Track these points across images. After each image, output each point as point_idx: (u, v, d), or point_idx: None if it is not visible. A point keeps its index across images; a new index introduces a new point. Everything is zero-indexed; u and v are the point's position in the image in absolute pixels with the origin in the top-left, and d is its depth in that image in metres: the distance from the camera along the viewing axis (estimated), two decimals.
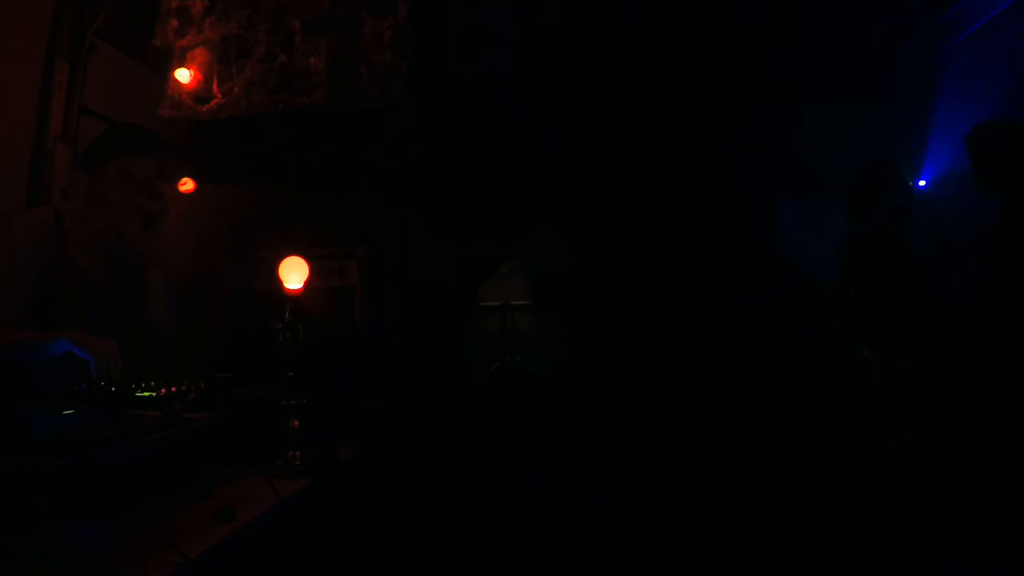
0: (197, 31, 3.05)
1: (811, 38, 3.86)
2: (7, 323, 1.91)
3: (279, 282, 1.70)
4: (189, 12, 3.06)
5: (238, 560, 1.20)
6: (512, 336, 4.64)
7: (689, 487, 3.34)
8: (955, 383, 2.68)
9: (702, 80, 4.10)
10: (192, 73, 3.03)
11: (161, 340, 2.18)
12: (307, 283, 1.72)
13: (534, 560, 3.01)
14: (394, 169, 3.85)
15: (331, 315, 3.11)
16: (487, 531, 3.08)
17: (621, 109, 4.29)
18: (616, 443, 3.83)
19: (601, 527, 3.17)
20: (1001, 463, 2.44)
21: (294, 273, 1.70)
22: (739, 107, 4.23)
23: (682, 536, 3.03)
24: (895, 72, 4.10)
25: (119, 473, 1.14)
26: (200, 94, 3.04)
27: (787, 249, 4.27)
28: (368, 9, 3.02)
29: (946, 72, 3.92)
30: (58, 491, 1.02)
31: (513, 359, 4.58)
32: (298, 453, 1.62)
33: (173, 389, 1.61)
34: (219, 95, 3.03)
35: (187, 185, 2.76)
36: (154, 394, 1.57)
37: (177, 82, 3.04)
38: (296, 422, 1.63)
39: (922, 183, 4.13)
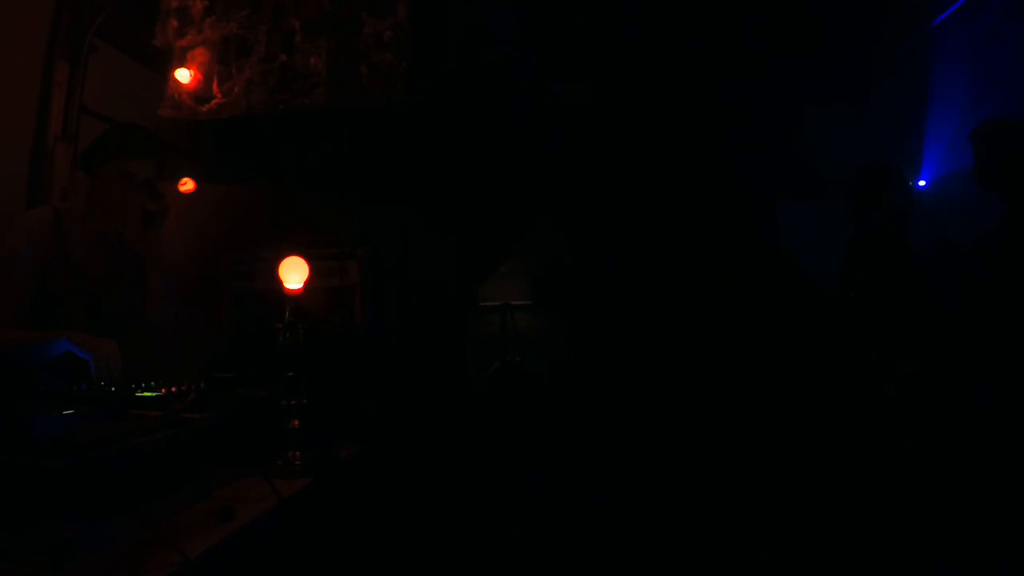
0: (197, 31, 3.05)
1: (811, 38, 3.86)
2: (7, 323, 1.91)
3: (279, 282, 1.70)
4: (189, 12, 3.06)
5: (238, 560, 1.20)
6: (512, 336, 4.64)
7: (689, 487, 3.34)
8: (956, 383, 2.68)
9: (702, 80, 4.10)
10: (192, 73, 3.03)
11: (161, 340, 2.18)
12: (307, 283, 1.72)
13: (534, 560, 3.01)
14: (394, 169, 3.85)
15: (331, 315, 3.11)
16: (487, 531, 3.08)
17: (621, 109, 4.28)
18: (616, 443, 3.83)
19: (601, 527, 3.17)
20: (1002, 465, 2.44)
21: (294, 273, 1.70)
22: (739, 107, 4.23)
23: (682, 536, 3.03)
24: (895, 72, 4.10)
25: (119, 473, 1.14)
26: (200, 94, 3.04)
27: (787, 249, 4.27)
28: (368, 9, 3.02)
29: (946, 72, 3.92)
30: (58, 491, 1.02)
31: (513, 359, 4.58)
32: (298, 453, 1.62)
33: (173, 389, 1.61)
34: (219, 95, 3.03)
35: (187, 185, 2.76)
36: (154, 394, 1.57)
37: (177, 82, 3.04)
38: (296, 422, 1.63)
39: (922, 183, 4.13)
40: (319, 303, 3.04)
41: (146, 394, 1.57)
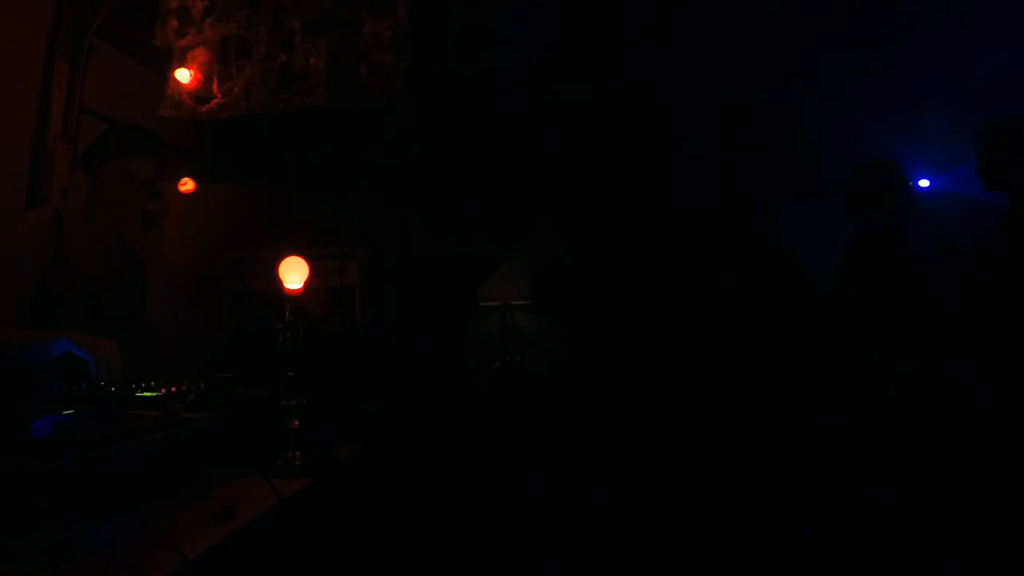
0: (197, 31, 3.05)
1: (811, 38, 3.86)
2: (7, 323, 1.91)
3: (279, 282, 1.70)
4: (189, 12, 3.06)
5: (238, 560, 1.20)
6: (512, 336, 4.64)
7: (689, 487, 3.34)
8: (956, 383, 2.68)
9: (702, 80, 4.10)
10: (192, 73, 3.03)
11: (161, 340, 2.18)
12: (307, 283, 1.72)
13: (534, 560, 3.01)
14: (394, 169, 3.85)
15: (331, 315, 3.11)
16: (487, 531, 3.08)
17: (621, 109, 4.28)
18: (616, 443, 3.83)
19: (601, 527, 3.17)
20: (1002, 465, 2.45)
21: (294, 273, 1.70)
22: (739, 107, 4.23)
23: (682, 536, 3.03)
24: (895, 72, 4.10)
25: (119, 473, 1.14)
26: (200, 94, 3.04)
27: (787, 249, 4.27)
28: (368, 9, 3.02)
29: (947, 72, 3.92)
30: (58, 491, 1.02)
31: (513, 359, 4.58)
32: (298, 453, 1.62)
33: (173, 389, 1.61)
34: (219, 95, 3.03)
35: (187, 185, 2.77)
36: (154, 394, 1.57)
37: (177, 82, 3.04)
38: (296, 422, 1.63)
39: (923, 183, 4.13)
40: (319, 303, 3.04)
41: (146, 394, 1.57)
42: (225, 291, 3.27)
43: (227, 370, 1.87)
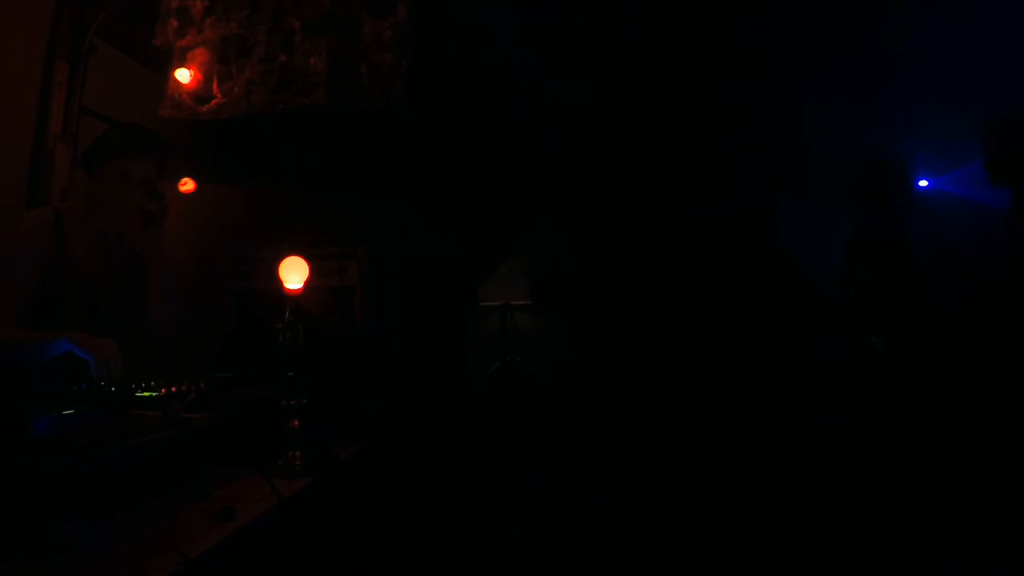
0: (197, 31, 3.05)
1: (811, 38, 3.86)
2: (7, 323, 1.91)
3: (279, 282, 1.70)
4: (189, 12, 3.05)
5: (238, 560, 1.20)
6: (512, 336, 4.65)
7: (689, 487, 3.34)
8: (956, 381, 2.68)
9: (702, 79, 4.10)
10: (192, 73, 3.03)
11: (161, 340, 2.18)
12: (307, 283, 1.72)
13: (534, 560, 3.01)
14: (394, 169, 3.85)
15: (331, 315, 3.11)
16: (487, 531, 3.08)
17: (621, 109, 4.28)
18: (616, 443, 3.83)
19: (601, 527, 3.17)
20: (1002, 465, 2.45)
21: (294, 273, 1.70)
22: (739, 107, 4.23)
23: (682, 536, 3.03)
24: (895, 72, 4.10)
25: (119, 473, 1.14)
26: (200, 94, 3.04)
27: (787, 249, 4.27)
28: (368, 9, 3.02)
29: (947, 72, 3.92)
30: (58, 491, 1.02)
31: (513, 359, 4.58)
32: (298, 453, 1.62)
33: (173, 389, 1.61)
34: (219, 95, 3.03)
35: (187, 185, 2.77)
36: (154, 394, 1.57)
37: (177, 82, 3.03)
38: (296, 422, 1.63)
39: (923, 183, 4.13)
40: (319, 303, 3.04)
41: (146, 394, 1.57)
42: (225, 291, 3.27)
43: (227, 370, 1.87)
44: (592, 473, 3.65)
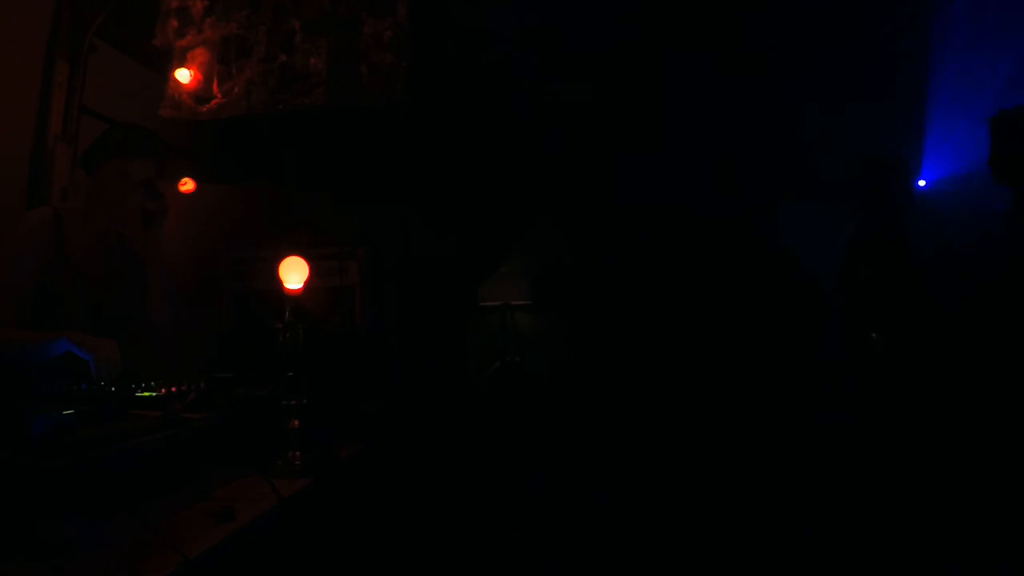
0: (197, 31, 3.05)
1: (811, 38, 3.86)
2: (7, 323, 1.91)
3: (279, 282, 1.70)
4: (189, 12, 3.05)
5: (238, 560, 1.20)
6: (512, 336, 4.64)
7: (690, 487, 3.34)
8: (956, 381, 2.68)
9: (702, 79, 4.10)
10: (192, 73, 3.03)
11: (161, 340, 2.18)
12: (307, 283, 1.72)
13: (534, 560, 3.01)
14: (394, 169, 3.85)
15: (331, 315, 3.11)
16: (487, 531, 3.08)
17: (621, 109, 4.28)
18: (616, 443, 3.83)
19: (601, 527, 3.17)
20: (1002, 465, 2.45)
21: (294, 273, 1.70)
22: (739, 107, 4.23)
23: (682, 536, 3.03)
24: (895, 72, 4.10)
25: (119, 473, 1.14)
26: (200, 94, 3.04)
27: (787, 249, 4.27)
28: (368, 9, 3.02)
29: (946, 72, 3.92)
30: (58, 491, 1.02)
31: (513, 359, 4.58)
32: (298, 453, 1.62)
33: (173, 389, 1.61)
34: (219, 95, 3.03)
35: (187, 185, 2.76)
36: (154, 394, 1.57)
37: (177, 82, 3.03)
38: (296, 422, 1.63)
39: (922, 183, 4.13)
40: (319, 303, 3.04)
41: (146, 394, 1.57)
42: (225, 291, 3.27)
43: (227, 370, 1.87)
44: (592, 473, 3.65)
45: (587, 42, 3.89)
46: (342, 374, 2.05)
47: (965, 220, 3.38)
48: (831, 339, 3.26)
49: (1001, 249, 2.65)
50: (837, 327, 3.21)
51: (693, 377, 3.97)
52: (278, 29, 3.04)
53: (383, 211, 3.75)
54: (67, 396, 1.49)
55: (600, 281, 4.58)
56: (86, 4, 2.92)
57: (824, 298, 3.48)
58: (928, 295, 2.92)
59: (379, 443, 2.10)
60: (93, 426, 1.25)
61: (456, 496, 2.98)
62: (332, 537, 1.66)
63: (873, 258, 3.05)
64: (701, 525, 3.07)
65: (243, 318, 3.19)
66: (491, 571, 2.94)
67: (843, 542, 2.67)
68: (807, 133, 4.28)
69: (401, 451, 2.38)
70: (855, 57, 4.01)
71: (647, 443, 3.75)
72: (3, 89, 2.67)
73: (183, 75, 3.02)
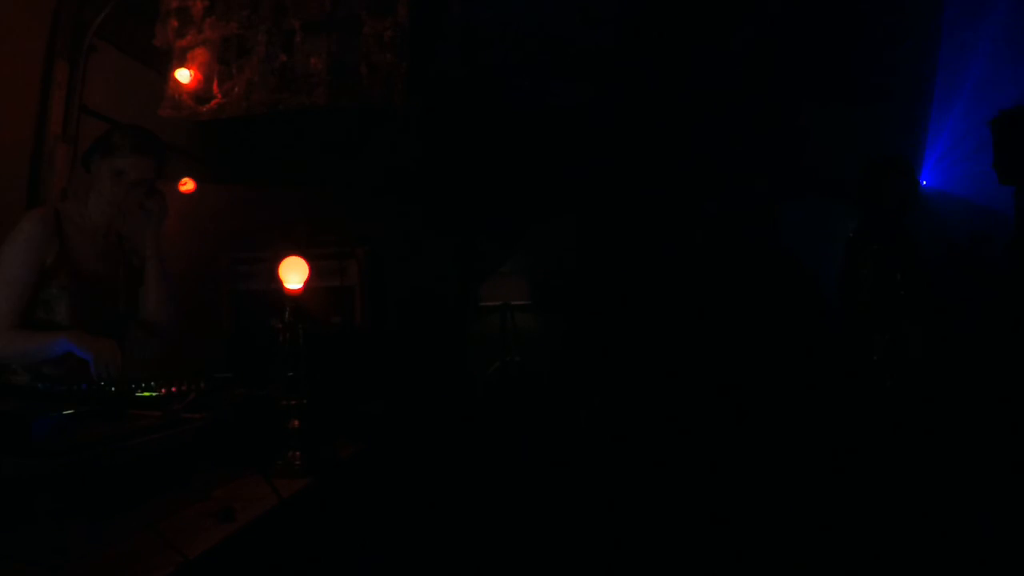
0: (197, 31, 3.05)
1: (811, 38, 3.86)
2: (6, 324, 1.91)
3: (279, 282, 1.70)
4: (189, 12, 3.05)
5: (238, 560, 1.20)
6: (512, 336, 4.64)
7: (690, 487, 3.34)
8: (958, 381, 2.68)
9: (702, 80, 4.10)
10: (192, 73, 3.03)
11: (161, 340, 2.18)
12: (307, 283, 1.72)
13: (534, 560, 3.01)
14: (394, 169, 3.86)
15: (331, 315, 3.11)
16: (487, 531, 3.08)
17: (621, 109, 4.28)
18: (617, 443, 3.83)
19: (602, 527, 3.17)
20: (1003, 465, 2.45)
21: (294, 273, 1.70)
22: (739, 107, 4.23)
23: (682, 536, 3.03)
24: (895, 72, 4.10)
25: (119, 473, 1.14)
26: (200, 94, 3.04)
27: (787, 249, 4.27)
28: (368, 9, 3.02)
29: (947, 72, 3.92)
30: (58, 491, 1.02)
31: (513, 359, 4.58)
32: (298, 453, 1.62)
33: (173, 389, 1.61)
34: (219, 95, 3.03)
35: (187, 185, 2.77)
36: (154, 394, 1.57)
37: (177, 82, 3.04)
38: (296, 422, 1.63)
39: (923, 183, 4.13)
40: (319, 303, 3.04)
41: (146, 394, 1.57)
42: (225, 291, 3.27)
43: (227, 370, 1.87)
44: (593, 473, 3.66)
45: (587, 42, 3.89)
46: (342, 374, 2.05)
47: (967, 220, 3.39)
48: (831, 339, 3.26)
49: (1003, 249, 2.65)
50: (837, 327, 3.21)
51: (693, 377, 3.97)
52: (278, 29, 3.05)
53: (383, 211, 3.76)
54: (67, 396, 1.49)
55: (600, 281, 4.58)
56: (86, 4, 2.92)
57: (824, 298, 3.48)
58: (930, 295, 2.91)
59: (379, 443, 2.10)
60: (93, 426, 1.25)
61: (456, 496, 2.98)
62: (332, 537, 1.66)
63: (875, 258, 3.05)
64: (702, 525, 3.07)
65: (243, 318, 3.20)
66: (491, 571, 2.94)
67: (843, 543, 2.67)
68: (807, 133, 4.28)
69: (401, 451, 2.38)
70: (855, 57, 4.01)
71: (648, 443, 3.75)
72: (3, 89, 2.67)
73: (183, 75, 3.02)
